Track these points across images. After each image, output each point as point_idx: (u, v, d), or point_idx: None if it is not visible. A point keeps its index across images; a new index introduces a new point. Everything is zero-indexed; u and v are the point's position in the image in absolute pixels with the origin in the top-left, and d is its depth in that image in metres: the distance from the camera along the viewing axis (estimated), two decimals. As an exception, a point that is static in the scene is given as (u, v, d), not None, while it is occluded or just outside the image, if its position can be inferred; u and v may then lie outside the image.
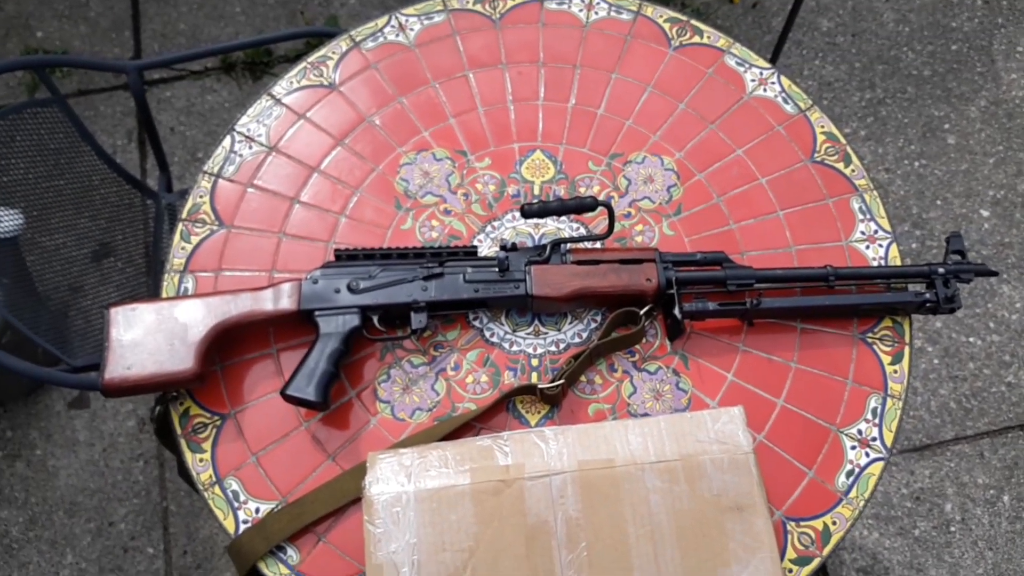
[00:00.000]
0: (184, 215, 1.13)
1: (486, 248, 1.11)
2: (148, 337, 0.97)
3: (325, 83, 1.22)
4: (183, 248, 1.10)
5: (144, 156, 2.13)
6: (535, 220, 1.12)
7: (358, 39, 1.25)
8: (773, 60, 2.08)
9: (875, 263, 1.10)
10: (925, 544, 1.76)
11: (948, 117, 2.20)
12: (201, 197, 1.14)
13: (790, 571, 0.94)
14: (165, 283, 1.08)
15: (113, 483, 1.82)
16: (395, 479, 0.88)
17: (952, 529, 1.78)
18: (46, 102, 1.37)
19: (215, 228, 1.12)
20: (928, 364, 1.92)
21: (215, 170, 1.15)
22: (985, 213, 2.08)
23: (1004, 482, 1.81)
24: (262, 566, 0.94)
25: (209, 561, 1.75)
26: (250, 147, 1.17)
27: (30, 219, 1.39)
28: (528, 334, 1.06)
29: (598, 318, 1.07)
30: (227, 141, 1.17)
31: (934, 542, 1.77)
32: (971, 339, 1.95)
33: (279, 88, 1.21)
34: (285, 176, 1.15)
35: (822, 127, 1.19)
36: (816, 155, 1.17)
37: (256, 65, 2.22)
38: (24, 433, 1.86)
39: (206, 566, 1.75)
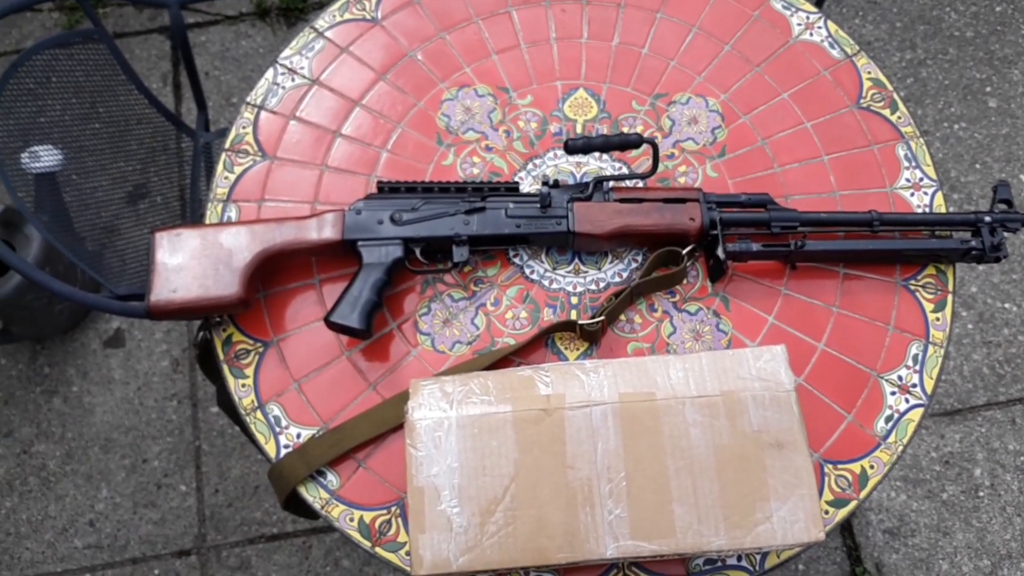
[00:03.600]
0: (227, 146, 1.13)
1: (528, 186, 1.11)
2: (193, 261, 0.98)
3: (368, 17, 1.21)
4: (226, 178, 1.11)
5: (179, 100, 2.14)
6: (577, 158, 1.12)
7: (402, -26, 1.24)
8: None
9: (920, 211, 1.09)
10: (953, 508, 1.76)
11: (990, 80, 2.16)
12: (244, 128, 1.14)
13: (826, 513, 0.94)
14: (209, 211, 1.09)
15: (147, 421, 1.85)
16: (437, 405, 0.89)
17: (981, 494, 1.77)
18: (89, 34, 1.37)
19: (258, 159, 1.12)
20: (962, 329, 1.91)
21: (258, 102, 1.16)
22: (1025, 178, 2.04)
23: (1034, 447, 1.80)
24: (302, 490, 0.96)
25: (240, 500, 1.78)
26: (293, 79, 1.17)
27: (67, 159, 1.40)
28: (568, 272, 1.06)
29: (639, 258, 1.06)
30: (270, 73, 1.17)
31: (962, 506, 1.76)
32: (1007, 305, 1.92)
33: (321, 21, 1.21)
34: (327, 109, 1.15)
35: (868, 73, 1.17)
36: (862, 101, 1.15)
37: (291, 11, 2.21)
38: (61, 370, 1.89)
39: (237, 504, 1.78)
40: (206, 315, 1.01)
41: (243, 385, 1.00)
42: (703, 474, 0.86)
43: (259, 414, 0.99)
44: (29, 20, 2.22)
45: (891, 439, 0.97)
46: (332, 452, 0.95)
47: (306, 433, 0.98)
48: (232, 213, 1.09)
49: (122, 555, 1.74)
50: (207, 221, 1.09)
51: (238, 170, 1.11)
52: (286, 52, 1.19)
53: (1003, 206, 1.06)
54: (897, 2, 2.26)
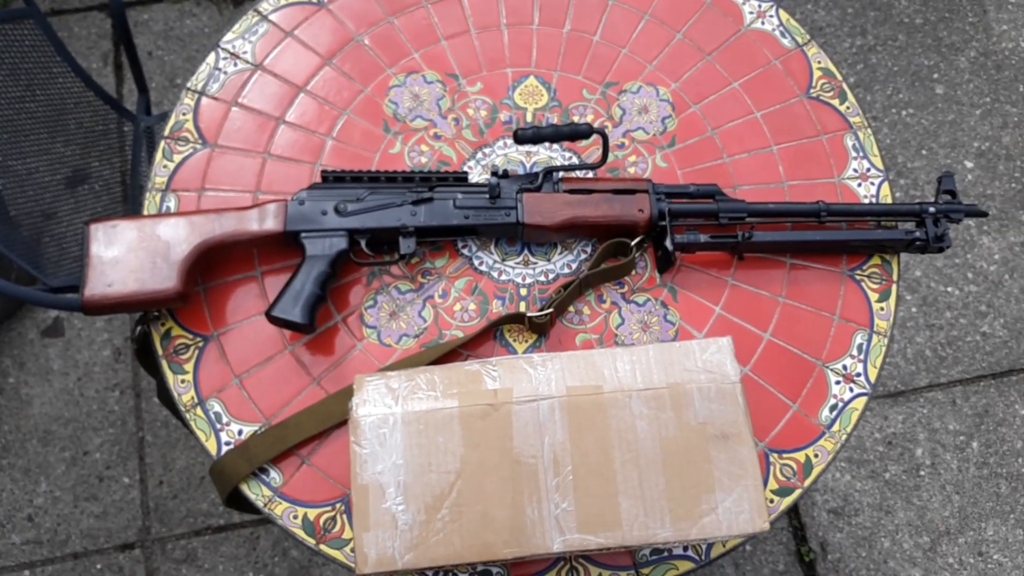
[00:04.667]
0: (167, 133, 1.09)
1: (477, 175, 1.09)
2: (130, 254, 0.95)
3: (313, 0, 1.18)
4: (165, 166, 1.07)
5: (120, 81, 2.07)
6: (527, 148, 1.10)
7: (347, -44, 1.20)
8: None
9: (866, 201, 1.10)
10: (895, 487, 1.80)
11: (937, 67, 2.19)
12: (184, 115, 1.10)
13: (771, 501, 0.95)
14: (147, 201, 1.05)
15: (88, 412, 1.80)
16: (382, 401, 0.87)
17: (922, 473, 1.81)
18: (21, 13, 1.31)
19: (198, 147, 1.09)
20: (906, 312, 1.94)
21: (199, 87, 1.12)
22: (969, 164, 2.08)
23: (974, 429, 1.84)
24: (244, 488, 0.94)
25: (185, 491, 1.75)
26: (235, 64, 1.13)
27: (1, 142, 1.35)
28: (517, 263, 1.05)
29: (588, 249, 1.06)
30: (211, 58, 1.14)
31: (904, 485, 1.80)
32: (949, 288, 1.96)
33: (266, 5, 1.17)
34: (271, 95, 1.12)
35: (819, 63, 1.17)
36: (812, 91, 1.15)
37: (237, -10, 2.15)
38: (-3, 360, 1.83)
39: (182, 496, 1.75)
40: (143, 309, 0.98)
41: (182, 381, 0.98)
42: (649, 467, 0.86)
43: (199, 410, 0.97)
44: (-40, -5, 2.13)
45: (835, 428, 0.98)
46: (275, 449, 0.93)
47: (248, 430, 0.96)
48: (171, 203, 1.06)
49: (63, 550, 1.70)
50: (145, 212, 1.05)
51: (177, 158, 1.08)
52: (228, 36, 1.15)
53: (947, 197, 1.07)
54: (848, -12, 2.28)
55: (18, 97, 1.39)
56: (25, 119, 1.40)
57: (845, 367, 1.01)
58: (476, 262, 1.05)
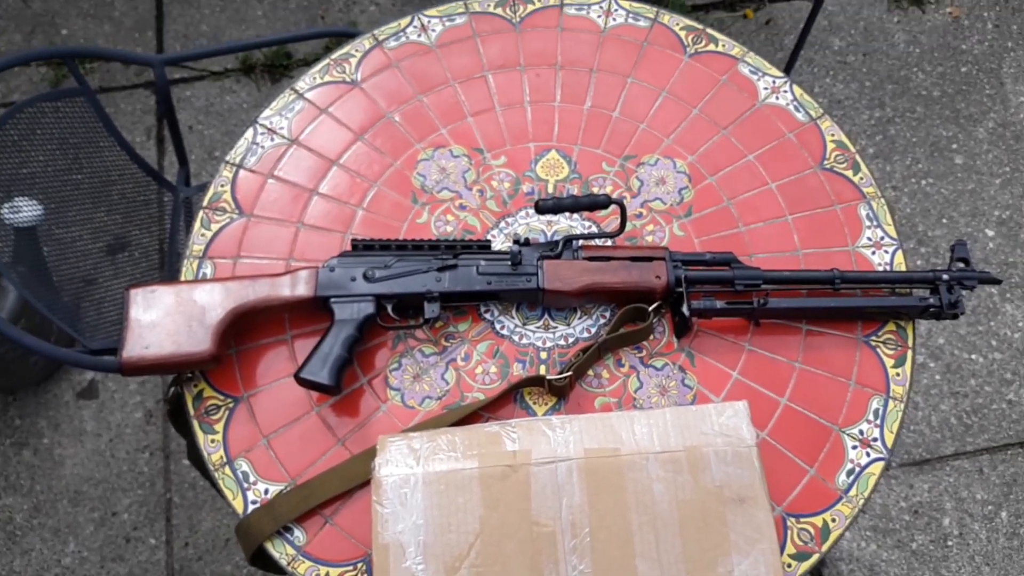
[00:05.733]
0: (205, 203, 1.15)
1: (499, 243, 1.13)
2: (167, 318, 1.00)
3: (347, 79, 1.24)
4: (203, 235, 1.13)
5: (162, 153, 2.16)
6: (548, 217, 1.15)
7: (381, 38, 1.28)
8: (784, 76, 2.10)
9: (881, 269, 1.12)
10: (922, 558, 1.77)
11: (956, 137, 2.22)
12: (222, 186, 1.16)
13: (789, 566, 0.95)
14: (184, 268, 1.11)
15: (118, 473, 1.84)
16: (404, 461, 0.90)
17: (950, 543, 1.78)
18: (73, 92, 1.40)
19: (235, 216, 1.14)
20: (930, 380, 1.94)
21: (237, 160, 1.18)
22: (990, 232, 2.10)
23: (1003, 498, 1.82)
24: (269, 546, 0.96)
25: (210, 553, 1.77)
26: (272, 139, 1.20)
27: (48, 211, 1.42)
28: (538, 327, 1.08)
29: (607, 314, 1.09)
30: (250, 133, 1.20)
31: (931, 556, 1.77)
32: (973, 356, 1.96)
33: (302, 83, 1.24)
34: (305, 168, 1.18)
35: (832, 135, 1.21)
36: (825, 162, 1.19)
37: (275, 67, 2.25)
38: (32, 422, 1.88)
39: (207, 558, 1.76)
40: (178, 371, 1.02)
41: (212, 441, 1.01)
42: (666, 529, 0.87)
43: (227, 470, 1.00)
44: (16, 74, 2.25)
45: (852, 492, 0.99)
46: (299, 508, 0.96)
47: (274, 489, 0.99)
48: (208, 270, 1.11)
49: (90, 611, 1.72)
50: (183, 277, 1.10)
51: (215, 227, 1.13)
52: (266, 112, 1.22)
53: (960, 264, 1.09)
54: (866, 62, 2.33)
55: (65, 168, 1.46)
56: (71, 189, 1.47)
57: (862, 432, 1.02)
58: (498, 326, 1.08)
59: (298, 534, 0.96)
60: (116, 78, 2.25)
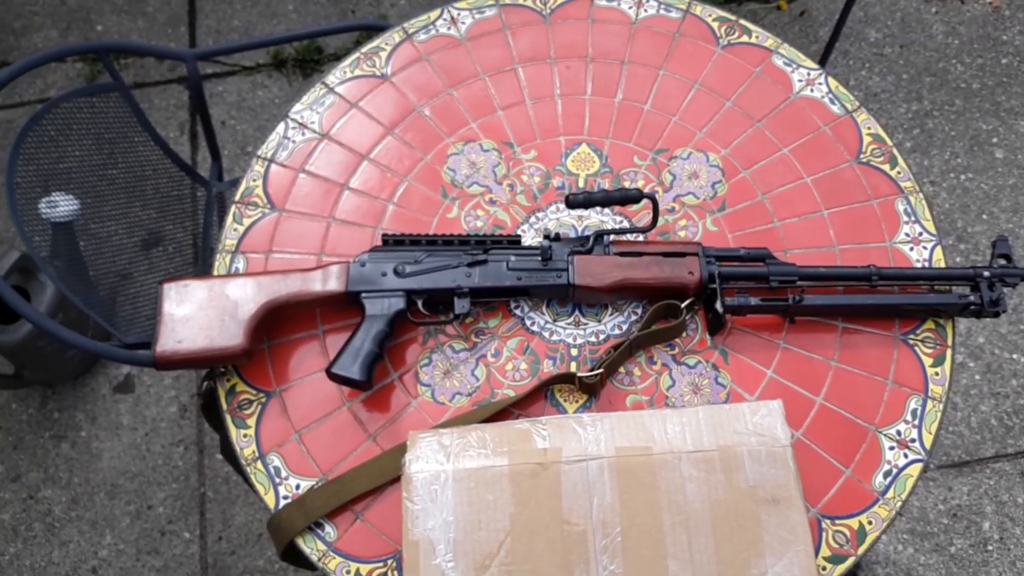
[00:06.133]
0: (237, 198, 1.16)
1: (530, 239, 1.12)
2: (200, 312, 1.00)
3: (377, 73, 1.24)
4: (235, 229, 1.13)
5: (195, 149, 2.18)
6: (579, 212, 1.14)
7: (411, 31, 1.27)
8: (819, 69, 2.07)
9: (919, 265, 1.10)
10: (961, 562, 1.73)
11: (996, 131, 2.17)
12: (254, 181, 1.17)
13: (824, 569, 0.94)
14: (217, 262, 1.11)
15: (153, 467, 1.86)
16: (434, 458, 0.89)
17: (990, 548, 1.74)
18: (108, 87, 1.41)
19: (267, 211, 1.15)
20: (969, 380, 1.90)
21: (268, 155, 1.18)
22: (1032, 229, 2.05)
23: (1046, 501, 1.78)
24: (300, 542, 0.96)
25: (243, 548, 1.78)
26: (303, 134, 1.20)
27: (84, 206, 1.44)
28: (568, 324, 1.07)
29: (639, 311, 1.07)
30: (281, 127, 1.20)
31: (970, 560, 1.74)
32: (1015, 356, 1.92)
33: (332, 78, 1.24)
34: (336, 163, 1.18)
35: (868, 128, 1.19)
36: (862, 156, 1.17)
37: (307, 62, 2.26)
38: (71, 415, 1.91)
39: (240, 552, 1.78)
40: (211, 365, 1.02)
41: (245, 436, 1.02)
42: (698, 529, 0.86)
43: (259, 464, 1.00)
44: (53, 70, 2.29)
45: (889, 494, 0.97)
46: (330, 504, 0.96)
47: (305, 484, 0.99)
48: (240, 264, 1.11)
49: (125, 601, 1.74)
50: (215, 272, 1.11)
51: (247, 222, 1.14)
52: (297, 107, 1.22)
53: (1002, 261, 1.06)
54: (903, 54, 2.29)
55: (101, 164, 1.48)
56: (106, 185, 1.49)
57: (899, 432, 1.00)
58: (528, 322, 1.07)
59: (329, 530, 0.97)
60: (150, 73, 2.27)
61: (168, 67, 2.28)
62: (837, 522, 0.96)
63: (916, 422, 1.01)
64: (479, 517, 0.87)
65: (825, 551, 0.94)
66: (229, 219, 1.14)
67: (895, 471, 0.98)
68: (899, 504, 0.96)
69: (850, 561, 0.94)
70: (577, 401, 1.02)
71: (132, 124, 1.49)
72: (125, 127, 1.49)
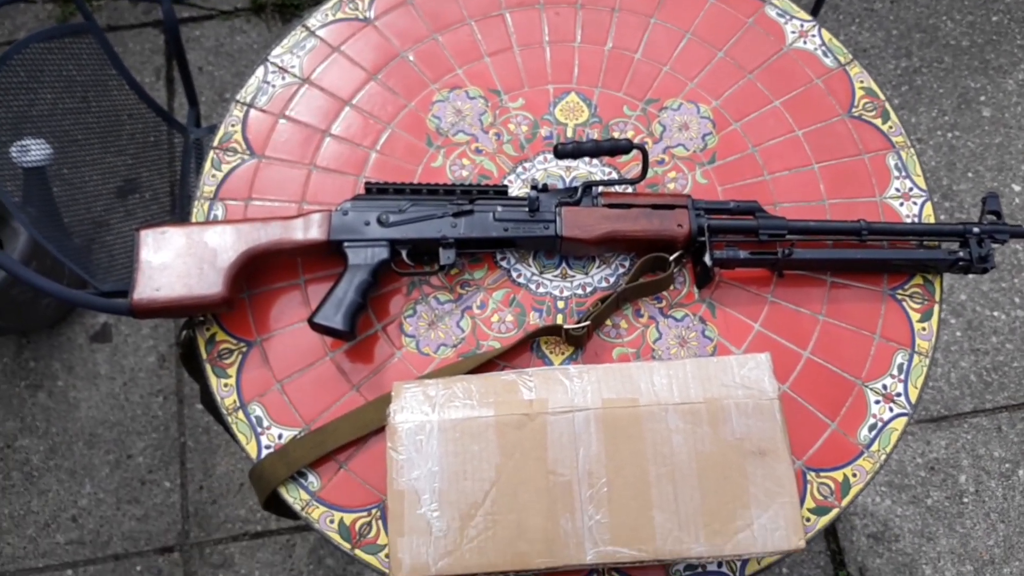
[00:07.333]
0: (216, 143, 1.12)
1: (516, 189, 1.10)
2: (178, 260, 0.98)
3: (360, 17, 1.21)
4: (213, 176, 1.10)
5: (172, 95, 2.13)
6: (566, 163, 1.12)
7: (395, -27, 1.23)
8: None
9: (909, 221, 1.09)
10: (937, 514, 1.76)
11: (984, 89, 2.16)
12: (233, 126, 1.13)
13: (808, 520, 0.94)
14: (195, 209, 1.08)
15: (132, 417, 1.84)
16: (419, 408, 0.88)
17: (965, 500, 1.77)
18: (81, 28, 1.36)
19: (246, 157, 1.12)
20: (951, 336, 1.91)
21: (248, 99, 1.15)
22: (1017, 188, 2.05)
23: (1020, 456, 1.80)
24: (283, 491, 0.95)
25: (225, 497, 1.78)
26: (283, 78, 1.16)
27: (57, 152, 1.40)
28: (555, 276, 1.06)
29: (626, 263, 1.06)
30: (260, 71, 1.17)
31: (946, 512, 1.77)
32: (995, 313, 1.93)
33: (314, 20, 1.20)
34: (317, 108, 1.15)
35: (861, 82, 1.17)
36: (854, 110, 1.15)
37: (286, 7, 2.20)
38: (47, 364, 1.88)
39: (221, 501, 1.77)
40: (190, 314, 1.00)
41: (225, 385, 1.00)
42: (684, 481, 0.86)
43: (241, 414, 0.99)
44: (23, 11, 2.21)
45: (874, 447, 0.97)
46: (313, 454, 0.95)
47: (288, 434, 0.98)
48: (219, 211, 1.08)
49: (104, 551, 1.74)
50: (193, 219, 1.08)
51: (226, 168, 1.11)
52: (277, 50, 1.19)
53: (992, 217, 1.06)
54: (894, 10, 2.26)
55: (74, 109, 1.44)
56: (80, 130, 1.44)
57: (885, 387, 1.00)
58: (514, 274, 1.06)
59: (312, 479, 0.96)
60: (124, 16, 2.21)
61: (143, 10, 2.21)
62: (822, 474, 0.96)
63: (902, 376, 1.01)
64: (465, 467, 0.86)
65: (810, 503, 0.95)
66: (207, 165, 1.11)
67: (880, 425, 0.98)
68: (883, 457, 0.97)
69: (834, 513, 0.94)
70: (563, 353, 1.02)
71: (106, 68, 1.44)
72: (99, 71, 1.44)
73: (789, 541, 0.85)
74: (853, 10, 2.26)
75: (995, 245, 1.04)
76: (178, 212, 1.60)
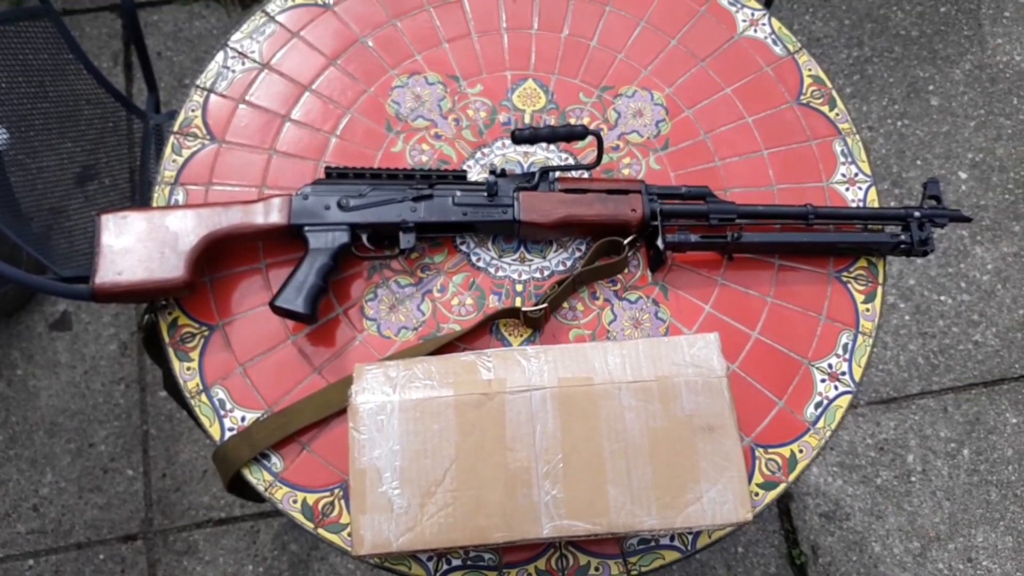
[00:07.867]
0: (176, 128, 1.13)
1: (475, 174, 1.12)
2: (139, 244, 0.98)
3: (319, 2, 1.21)
4: (174, 161, 1.11)
5: (130, 80, 2.11)
6: (524, 148, 1.14)
7: (354, -39, 1.24)
8: (765, 12, 2.08)
9: (854, 205, 1.13)
10: (886, 492, 1.82)
11: (933, 79, 2.22)
12: (193, 111, 1.14)
13: (756, 495, 0.98)
14: (156, 194, 1.09)
15: (94, 405, 1.83)
16: (380, 389, 0.90)
17: (913, 479, 1.84)
18: (36, 12, 1.35)
19: (206, 142, 1.12)
20: (899, 320, 1.97)
21: (207, 84, 1.15)
22: (963, 175, 2.11)
23: (965, 436, 1.87)
24: (246, 472, 0.97)
25: (188, 484, 1.78)
26: (243, 63, 1.17)
27: (13, 138, 1.38)
28: (514, 260, 1.08)
29: (582, 247, 1.09)
30: (220, 56, 1.17)
31: (895, 491, 1.83)
32: (942, 297, 1.99)
33: (273, 6, 1.21)
34: (277, 94, 1.15)
35: (809, 70, 1.20)
36: (802, 97, 1.19)
37: (246, -7, 2.19)
38: (5, 353, 1.86)
39: (185, 489, 1.78)
40: (152, 298, 1.01)
41: (188, 368, 1.01)
42: (637, 456, 0.89)
43: (204, 397, 1.00)
44: (-25, -5, 2.18)
45: (820, 424, 1.01)
46: (276, 435, 0.96)
47: (251, 416, 0.99)
48: (179, 196, 1.09)
49: (67, 540, 1.73)
50: (154, 204, 1.09)
51: (186, 153, 1.11)
52: (236, 35, 1.19)
53: (932, 202, 1.10)
54: (846, 0, 2.31)
55: (30, 95, 1.42)
56: (37, 116, 1.43)
57: (831, 366, 1.04)
58: (474, 258, 1.08)
59: (275, 461, 0.97)
60: (81, 0, 2.18)
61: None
62: (770, 450, 1.00)
63: (847, 356, 1.05)
64: (425, 446, 0.88)
65: (758, 478, 0.99)
66: (168, 150, 1.11)
67: (826, 402, 1.02)
68: (828, 434, 1.01)
69: (781, 487, 0.98)
70: (522, 335, 1.04)
71: (63, 53, 1.43)
72: (56, 56, 1.43)
73: (737, 513, 0.88)
74: (807, 0, 2.30)
75: (935, 229, 1.09)
76: (138, 198, 1.60)
